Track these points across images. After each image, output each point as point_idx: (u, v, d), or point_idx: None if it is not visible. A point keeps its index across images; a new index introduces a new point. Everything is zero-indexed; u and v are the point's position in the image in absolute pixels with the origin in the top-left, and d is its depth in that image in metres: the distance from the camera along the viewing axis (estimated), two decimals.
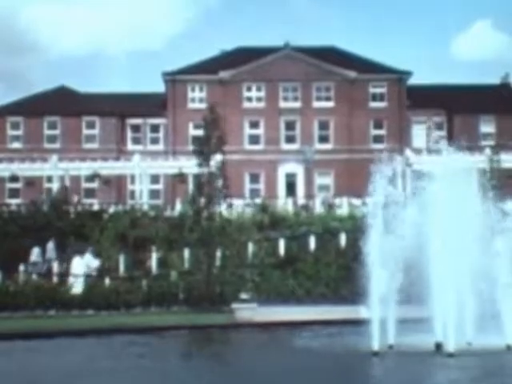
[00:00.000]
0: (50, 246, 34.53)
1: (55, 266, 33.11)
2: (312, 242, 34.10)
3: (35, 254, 34.13)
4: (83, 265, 31.77)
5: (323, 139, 64.24)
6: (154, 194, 53.31)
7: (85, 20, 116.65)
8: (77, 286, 30.48)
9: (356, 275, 17.45)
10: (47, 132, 64.29)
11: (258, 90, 64.82)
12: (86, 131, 64.55)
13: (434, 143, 18.66)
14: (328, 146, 63.99)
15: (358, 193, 37.55)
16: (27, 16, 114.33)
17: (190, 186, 41.08)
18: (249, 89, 64.86)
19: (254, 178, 63.45)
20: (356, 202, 39.75)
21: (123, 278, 31.74)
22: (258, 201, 43.18)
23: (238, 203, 40.07)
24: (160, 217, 37.90)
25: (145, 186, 48.56)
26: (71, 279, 31.01)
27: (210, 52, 68.45)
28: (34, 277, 31.85)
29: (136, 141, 65.19)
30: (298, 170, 63.19)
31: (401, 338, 17.39)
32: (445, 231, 17.18)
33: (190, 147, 46.62)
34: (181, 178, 48.07)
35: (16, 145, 64.01)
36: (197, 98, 64.54)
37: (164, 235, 34.82)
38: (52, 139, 64.11)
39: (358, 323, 17.73)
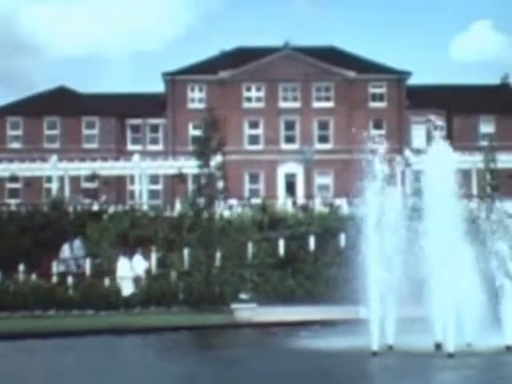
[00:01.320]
0: (77, 243, 33.95)
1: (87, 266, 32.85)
2: (312, 242, 34.07)
3: (65, 251, 33.52)
4: (130, 266, 31.25)
5: (323, 139, 64.24)
6: (153, 194, 53.30)
7: (85, 21, 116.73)
8: (126, 288, 30.23)
9: (355, 275, 17.43)
10: (47, 132, 64.26)
11: (258, 90, 64.79)
12: (85, 131, 64.52)
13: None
14: (328, 146, 63.98)
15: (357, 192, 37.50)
16: (27, 17, 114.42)
17: (190, 186, 41.08)
18: (248, 89, 64.82)
19: (254, 178, 63.41)
20: (355, 201, 39.62)
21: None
22: (255, 201, 43.16)
23: (234, 203, 40.10)
24: (159, 217, 37.88)
25: (144, 187, 48.54)
26: (119, 281, 30.81)
27: (210, 53, 68.48)
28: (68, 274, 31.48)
29: (135, 141, 65.15)
30: (298, 170, 63.17)
31: (400, 338, 17.37)
32: (442, 231, 17.17)
33: (190, 147, 46.62)
34: (180, 178, 48.11)
35: (16, 145, 64.00)
36: (196, 98, 64.52)
37: (163, 235, 34.81)
38: (52, 139, 64.08)
39: (358, 323, 17.71)
